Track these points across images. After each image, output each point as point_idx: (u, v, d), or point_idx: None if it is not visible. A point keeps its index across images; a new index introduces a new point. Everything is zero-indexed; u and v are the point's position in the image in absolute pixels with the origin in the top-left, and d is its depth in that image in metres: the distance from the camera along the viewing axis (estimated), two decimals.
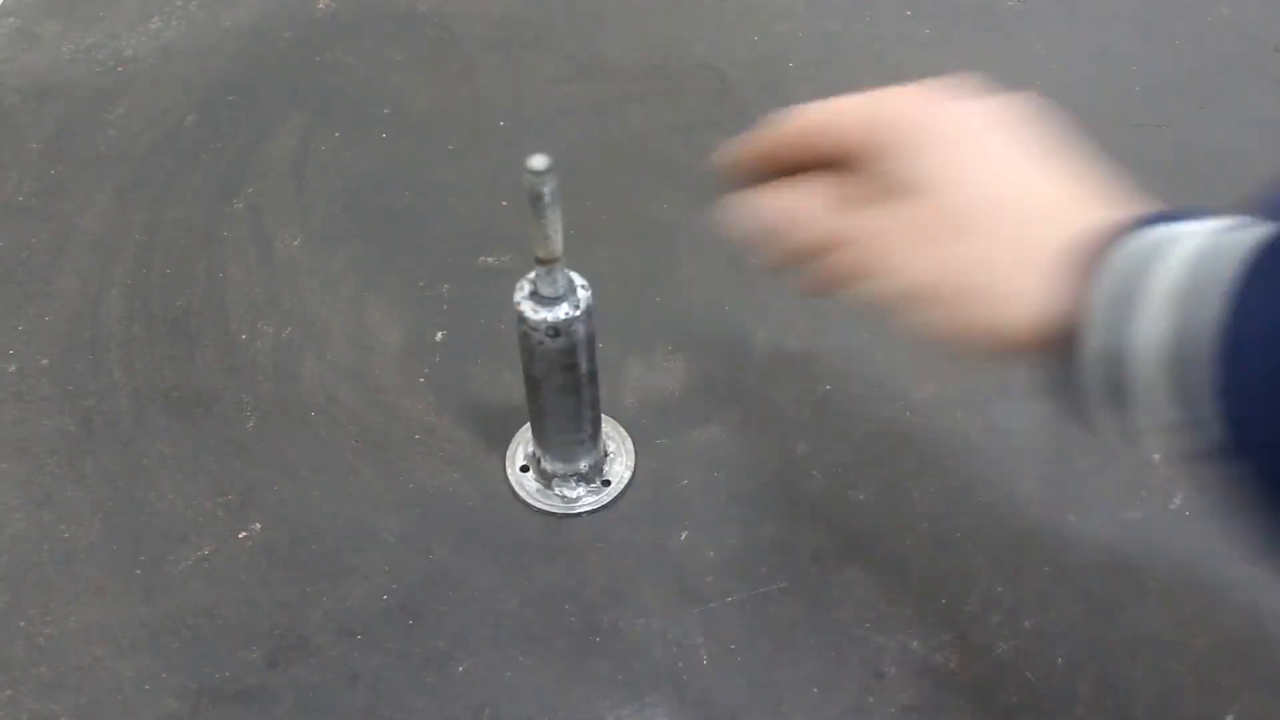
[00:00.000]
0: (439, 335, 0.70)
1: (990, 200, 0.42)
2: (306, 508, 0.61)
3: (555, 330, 0.52)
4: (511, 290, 0.53)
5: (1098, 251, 0.37)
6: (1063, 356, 0.38)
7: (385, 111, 0.87)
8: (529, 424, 0.61)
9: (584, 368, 0.54)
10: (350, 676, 0.54)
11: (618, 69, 0.91)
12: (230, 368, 0.68)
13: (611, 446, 0.63)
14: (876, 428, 0.64)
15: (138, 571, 0.58)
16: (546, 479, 0.61)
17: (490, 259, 0.75)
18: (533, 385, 0.56)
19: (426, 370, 0.68)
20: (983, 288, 0.40)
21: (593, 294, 0.53)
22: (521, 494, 0.61)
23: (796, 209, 0.47)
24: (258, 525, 0.60)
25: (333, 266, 0.75)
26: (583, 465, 0.60)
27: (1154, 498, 0.60)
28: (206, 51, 0.94)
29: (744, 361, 0.68)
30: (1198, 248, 0.36)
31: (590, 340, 0.54)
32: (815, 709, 0.52)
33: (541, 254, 0.49)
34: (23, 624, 0.56)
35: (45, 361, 0.69)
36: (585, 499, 0.61)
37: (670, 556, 0.58)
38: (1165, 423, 0.36)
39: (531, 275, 0.52)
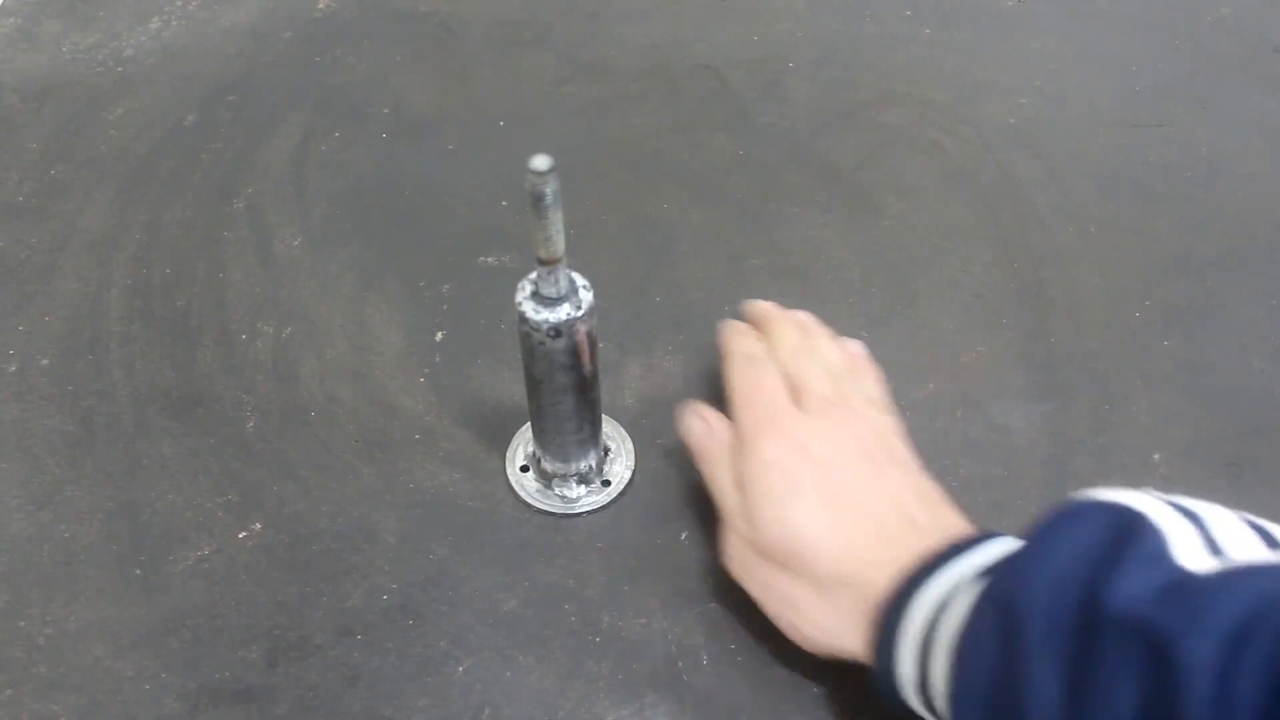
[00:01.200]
0: (439, 335, 0.70)
1: (806, 546, 0.50)
2: (306, 508, 0.61)
3: (556, 331, 0.52)
4: (511, 290, 0.53)
5: (882, 605, 0.47)
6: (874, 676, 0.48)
7: (385, 111, 0.87)
8: (529, 424, 0.61)
9: (584, 368, 0.54)
10: (350, 676, 0.54)
11: (618, 69, 0.91)
12: (230, 368, 0.68)
13: (611, 446, 0.63)
14: None
15: (138, 571, 0.58)
16: (546, 479, 0.61)
17: (490, 259, 0.75)
18: (533, 385, 0.56)
19: (426, 370, 0.68)
20: (807, 620, 0.51)
21: (594, 294, 0.53)
22: (521, 494, 0.61)
23: (711, 433, 0.57)
24: (258, 525, 0.60)
25: (333, 266, 0.75)
26: (583, 465, 0.60)
27: None
28: (206, 51, 0.94)
29: None
30: (938, 603, 0.45)
31: (591, 340, 0.54)
32: (815, 709, 0.52)
33: (543, 254, 0.49)
34: (23, 624, 0.56)
35: (45, 361, 0.69)
36: (585, 499, 0.61)
37: (670, 556, 0.58)
38: None
39: (533, 275, 0.52)
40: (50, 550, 0.59)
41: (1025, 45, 0.92)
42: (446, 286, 0.73)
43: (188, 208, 0.79)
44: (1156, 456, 0.62)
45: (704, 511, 0.60)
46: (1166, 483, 0.61)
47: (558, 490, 0.61)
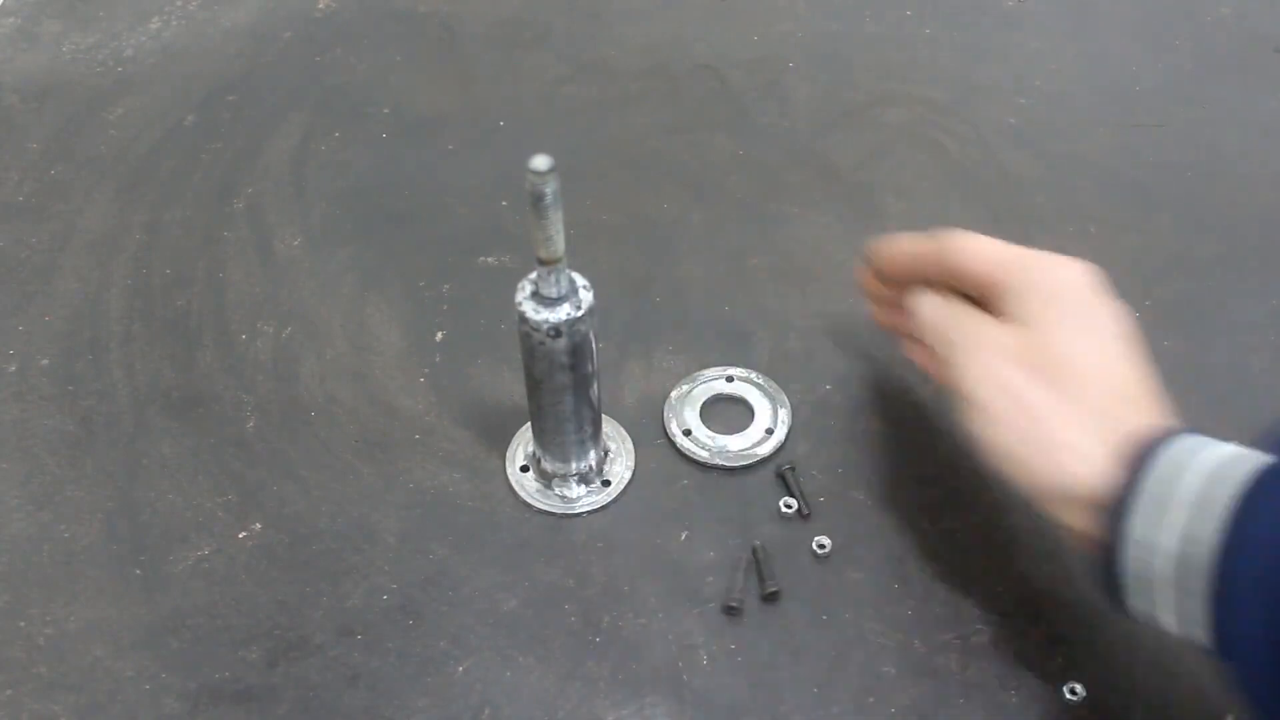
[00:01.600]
0: (439, 335, 0.70)
1: (1088, 366, 0.48)
2: (306, 508, 0.61)
3: (557, 331, 0.52)
4: (511, 290, 0.53)
5: (1148, 448, 0.44)
6: (1102, 534, 0.45)
7: (385, 111, 0.87)
8: (529, 424, 0.61)
9: (584, 368, 0.54)
10: (350, 676, 0.54)
11: (618, 69, 0.91)
12: (230, 368, 0.68)
13: (611, 446, 0.63)
14: (876, 428, 0.64)
15: (138, 571, 0.58)
16: (546, 479, 0.61)
17: (490, 259, 0.75)
18: (533, 385, 0.56)
19: (426, 370, 0.68)
20: (1055, 435, 0.47)
21: (594, 294, 0.53)
22: (521, 494, 0.61)
23: (939, 302, 0.55)
24: (258, 525, 0.60)
25: (333, 266, 0.75)
26: (583, 465, 0.60)
27: None
28: (206, 51, 0.94)
29: (744, 361, 0.68)
30: (1213, 468, 0.42)
31: (591, 340, 0.54)
32: (815, 709, 0.52)
33: (543, 254, 0.49)
34: (23, 624, 0.56)
35: (45, 361, 0.69)
36: (585, 499, 0.61)
37: (670, 556, 0.58)
38: (1175, 616, 0.43)
39: (533, 275, 0.52)
40: (50, 550, 0.59)
41: (1025, 45, 0.92)
42: (446, 286, 0.73)
43: (188, 208, 0.79)
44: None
45: (704, 511, 0.60)
46: None
47: (558, 490, 0.61)
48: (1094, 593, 0.47)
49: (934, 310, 0.55)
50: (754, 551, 0.58)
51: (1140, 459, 0.44)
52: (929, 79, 0.89)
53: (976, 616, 0.55)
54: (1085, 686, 0.52)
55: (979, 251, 0.54)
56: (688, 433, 0.63)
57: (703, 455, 0.62)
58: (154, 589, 0.57)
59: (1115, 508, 0.44)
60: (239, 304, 0.72)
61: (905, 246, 0.59)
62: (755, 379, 0.66)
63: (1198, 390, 0.66)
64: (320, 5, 0.99)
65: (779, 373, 0.67)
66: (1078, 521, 0.47)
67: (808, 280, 0.73)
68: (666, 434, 0.64)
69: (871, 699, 0.53)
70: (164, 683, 0.54)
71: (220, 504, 0.61)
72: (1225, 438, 0.63)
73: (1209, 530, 0.41)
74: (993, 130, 0.84)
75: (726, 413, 0.65)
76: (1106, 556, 0.45)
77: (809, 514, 0.59)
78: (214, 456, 0.63)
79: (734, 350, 0.69)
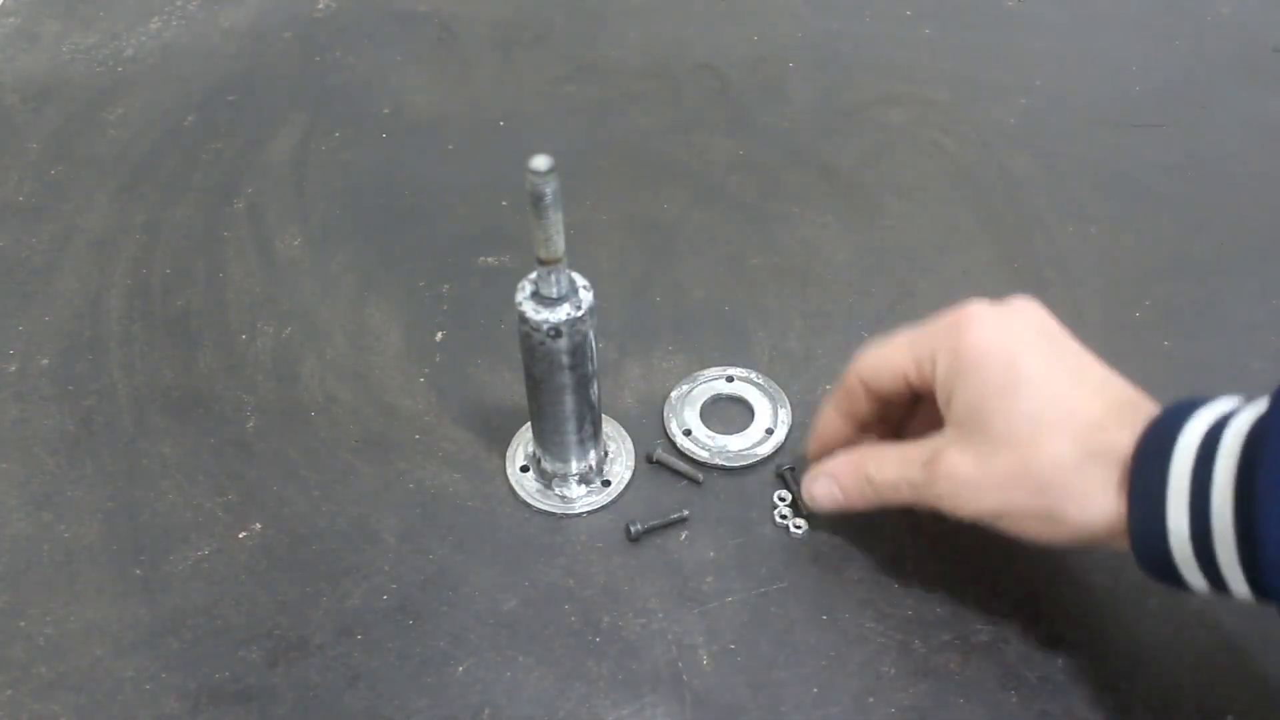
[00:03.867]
0: (439, 335, 0.70)
1: (1038, 421, 0.47)
2: (306, 508, 0.61)
3: (557, 331, 0.52)
4: (511, 290, 0.53)
5: (1136, 456, 0.45)
6: (1134, 541, 0.46)
7: (385, 111, 0.87)
8: (529, 424, 0.61)
9: (584, 368, 0.55)
10: (350, 676, 0.54)
11: (618, 69, 0.91)
12: (230, 368, 0.68)
13: (611, 446, 0.63)
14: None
15: (138, 571, 0.58)
16: (546, 479, 0.61)
17: (490, 259, 0.75)
18: (533, 385, 0.56)
19: (426, 370, 0.68)
20: (1052, 500, 0.47)
21: (594, 294, 0.53)
22: (521, 494, 0.61)
23: (868, 471, 0.54)
24: (258, 525, 0.60)
25: (333, 266, 0.75)
26: (583, 465, 0.60)
27: None
28: (206, 51, 0.94)
29: (744, 362, 0.68)
30: (1199, 450, 0.43)
31: (591, 340, 0.54)
32: (815, 709, 0.52)
33: (543, 254, 0.49)
34: (23, 624, 0.56)
35: (45, 361, 0.69)
36: (585, 499, 0.61)
37: (670, 556, 0.58)
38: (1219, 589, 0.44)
39: (533, 275, 0.52)
40: (50, 550, 0.59)
41: (1025, 45, 0.92)
42: (446, 286, 0.73)
43: (188, 208, 0.79)
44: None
45: (704, 511, 0.60)
46: None
47: (558, 490, 0.61)
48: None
49: (891, 475, 0.53)
50: (783, 477, 0.60)
51: (1140, 472, 0.45)
52: (929, 79, 0.89)
53: (976, 616, 0.55)
54: (1085, 686, 0.52)
55: (879, 372, 0.53)
56: (688, 433, 0.63)
57: (703, 455, 0.62)
58: (154, 589, 0.57)
59: (1135, 523, 0.45)
60: (239, 304, 0.72)
61: (824, 421, 0.58)
62: (755, 379, 0.66)
63: (1198, 390, 0.66)
64: (320, 5, 0.99)
65: (779, 373, 0.67)
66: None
67: (808, 280, 0.73)
68: (666, 434, 0.64)
69: (871, 699, 0.53)
70: (164, 683, 0.54)
71: (220, 504, 0.61)
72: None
73: (1225, 520, 0.42)
74: (993, 130, 0.84)
75: (726, 413, 0.65)
76: (1140, 556, 0.46)
77: (809, 514, 0.59)
78: (214, 456, 0.63)
79: (734, 350, 0.69)
